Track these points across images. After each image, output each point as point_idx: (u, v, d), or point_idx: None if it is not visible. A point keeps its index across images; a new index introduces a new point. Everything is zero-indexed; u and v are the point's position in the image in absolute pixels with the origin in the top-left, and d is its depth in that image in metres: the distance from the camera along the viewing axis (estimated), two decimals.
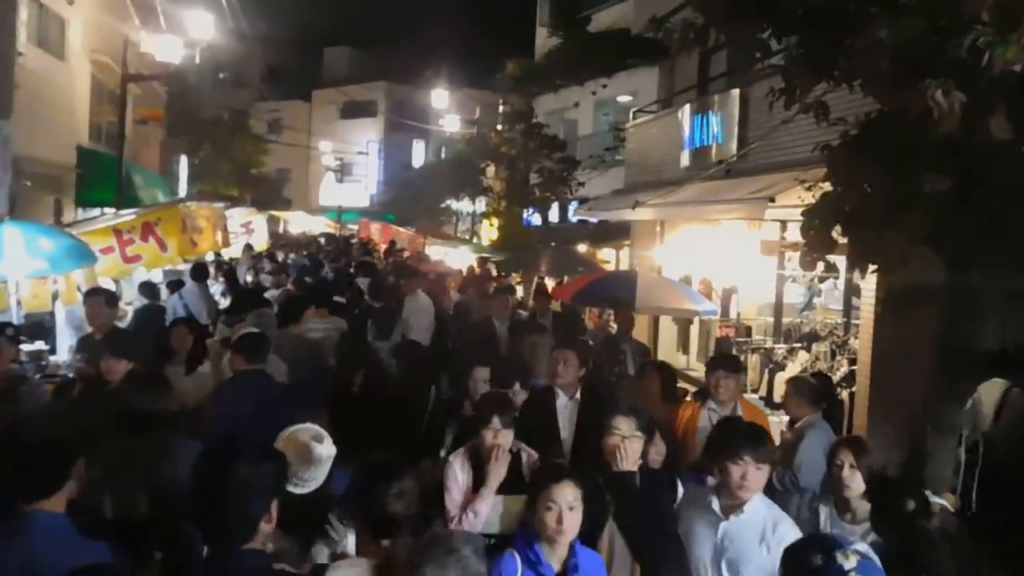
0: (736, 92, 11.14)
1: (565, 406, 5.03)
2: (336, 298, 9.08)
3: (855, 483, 3.77)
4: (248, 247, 16.47)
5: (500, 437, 3.91)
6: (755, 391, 10.75)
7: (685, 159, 12.84)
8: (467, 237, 27.71)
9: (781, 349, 10.73)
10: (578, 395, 5.06)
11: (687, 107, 12.91)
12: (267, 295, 9.65)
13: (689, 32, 4.53)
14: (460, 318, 9.99)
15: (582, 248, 17.98)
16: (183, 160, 28.13)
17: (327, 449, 3.26)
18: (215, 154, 28.90)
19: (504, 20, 36.61)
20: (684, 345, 14.86)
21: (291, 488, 2.96)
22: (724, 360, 5.46)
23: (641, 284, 8.70)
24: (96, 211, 14.84)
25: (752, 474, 3.31)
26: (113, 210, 13.47)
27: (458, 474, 3.92)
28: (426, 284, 10.34)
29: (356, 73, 44.65)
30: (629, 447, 3.54)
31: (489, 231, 25.89)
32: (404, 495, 2.79)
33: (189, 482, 2.34)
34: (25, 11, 12.61)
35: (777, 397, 10.32)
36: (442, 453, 4.82)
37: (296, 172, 45.25)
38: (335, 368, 6.31)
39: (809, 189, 5.61)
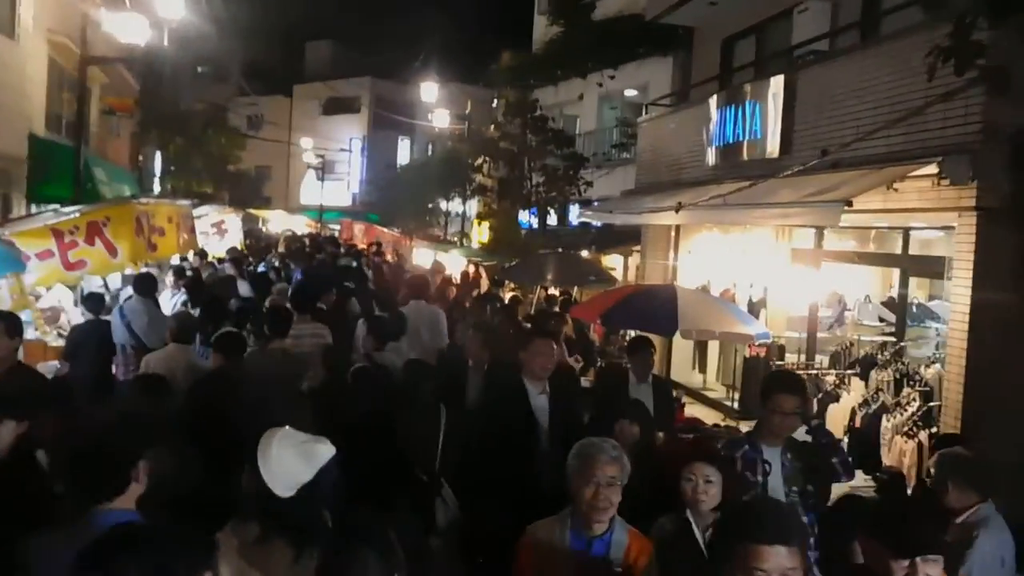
0: (779, 79, 9.75)
1: None
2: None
3: None
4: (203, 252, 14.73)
5: None
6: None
7: (711, 157, 11.46)
8: (457, 240, 26.22)
9: (830, 376, 9.35)
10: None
11: (713, 99, 11.52)
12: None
13: None
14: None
15: (585, 254, 16.61)
16: (158, 155, 26.47)
17: (329, 450, 2.86)
18: (189, 148, 27.19)
19: (497, 9, 35.07)
20: (701, 362, 13.53)
21: (284, 493, 2.72)
22: None
23: (682, 303, 7.20)
24: (52, 207, 13.26)
25: None
26: (71, 207, 11.90)
27: None
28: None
29: (339, 68, 43.21)
30: None
31: (479, 233, 24.38)
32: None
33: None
34: None
35: (833, 431, 8.98)
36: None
37: (276, 170, 43.83)
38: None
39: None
